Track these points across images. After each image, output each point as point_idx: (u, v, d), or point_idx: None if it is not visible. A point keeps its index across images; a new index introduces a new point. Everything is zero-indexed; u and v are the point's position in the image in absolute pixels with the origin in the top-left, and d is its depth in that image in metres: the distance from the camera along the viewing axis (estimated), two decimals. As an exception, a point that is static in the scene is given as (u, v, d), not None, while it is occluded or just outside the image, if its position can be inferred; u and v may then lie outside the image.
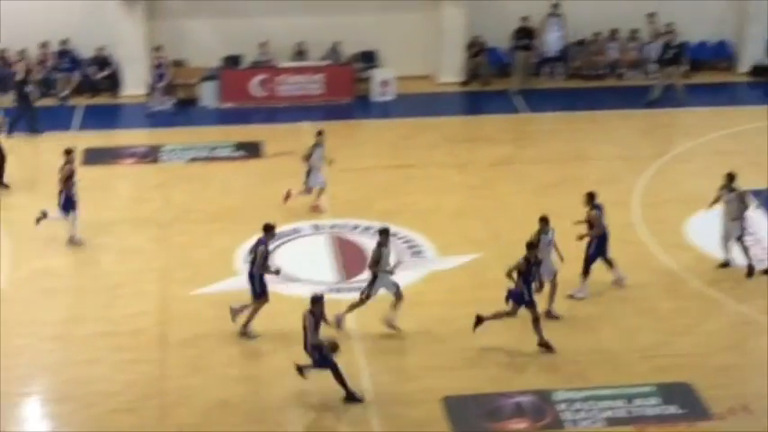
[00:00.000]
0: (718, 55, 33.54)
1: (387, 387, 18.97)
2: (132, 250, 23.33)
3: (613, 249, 23.16)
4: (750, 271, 22.30)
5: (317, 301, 18.65)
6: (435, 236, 23.68)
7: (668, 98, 30.89)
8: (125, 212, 24.98)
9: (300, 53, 31.69)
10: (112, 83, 31.80)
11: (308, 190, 24.81)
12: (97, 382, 18.95)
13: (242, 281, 22.10)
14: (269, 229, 20.43)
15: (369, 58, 32.24)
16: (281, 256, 23.09)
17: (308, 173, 24.63)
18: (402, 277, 22.22)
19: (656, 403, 18.48)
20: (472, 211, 24.81)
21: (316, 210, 24.73)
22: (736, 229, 22.28)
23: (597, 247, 21.45)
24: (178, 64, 31.56)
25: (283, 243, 23.65)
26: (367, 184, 26.31)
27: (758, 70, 33.09)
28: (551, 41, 32.47)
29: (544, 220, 20.65)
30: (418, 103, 31.24)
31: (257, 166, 27.29)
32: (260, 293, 20.43)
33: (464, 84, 32.36)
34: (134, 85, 31.41)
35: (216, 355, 19.84)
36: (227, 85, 31.09)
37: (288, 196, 24.75)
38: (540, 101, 31.62)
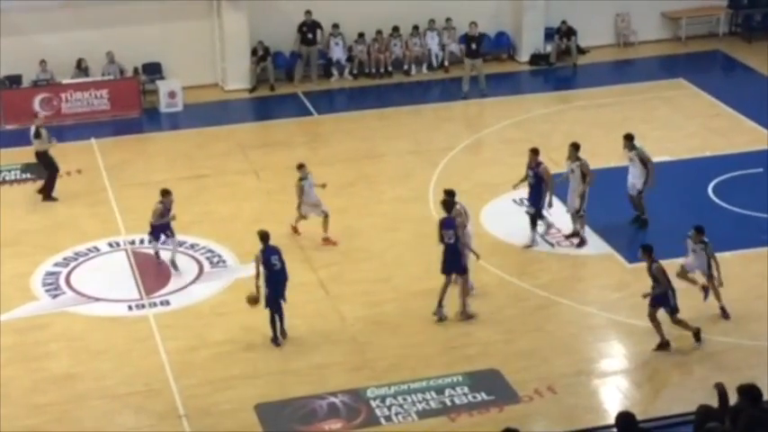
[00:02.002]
0: (498, 46, 34.26)
1: (198, 400, 18.81)
2: None
3: (413, 243, 23.54)
4: (579, 240, 23.35)
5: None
6: (235, 244, 23.58)
7: (473, 89, 31.51)
8: None
9: (83, 69, 31.07)
10: None
11: (302, 216, 23.88)
12: None
13: (41, 305, 21.67)
14: (449, 206, 20.80)
15: (153, 70, 31.82)
16: (79, 276, 22.66)
17: (299, 206, 23.71)
18: (204, 288, 22.15)
19: (465, 392, 18.82)
20: (270, 217, 24.73)
21: (327, 242, 23.57)
22: (577, 201, 23.19)
23: None
24: (-48, 87, 30.56)
25: (81, 263, 23.19)
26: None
27: (536, 58, 33.95)
28: (336, 50, 32.77)
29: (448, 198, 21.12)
30: (208, 112, 30.99)
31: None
32: (464, 269, 20.70)
33: (252, 90, 32.26)
34: None
35: (19, 383, 19.33)
36: (8, 106, 30.25)
37: (296, 230, 23.90)
38: (328, 102, 31.78)
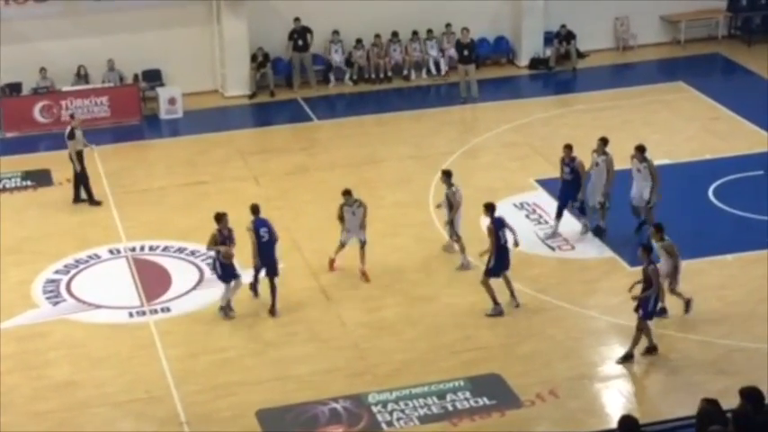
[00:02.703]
0: (498, 50, 34.27)
1: (199, 406, 18.78)
2: None
3: (414, 248, 23.53)
4: (595, 231, 23.81)
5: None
6: (236, 250, 23.50)
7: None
8: None
9: (82, 76, 31.08)
10: None
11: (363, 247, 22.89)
12: None
13: (42, 312, 21.65)
14: (491, 208, 21.30)
15: (153, 77, 31.84)
16: (80, 284, 22.64)
17: (347, 231, 22.65)
18: (205, 295, 22.12)
19: (467, 397, 18.79)
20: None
21: (331, 266, 22.84)
22: (600, 194, 23.57)
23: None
24: (-48, 95, 30.54)
25: (82, 270, 23.18)
26: (163, 204, 26.00)
27: (536, 63, 33.95)
28: (335, 56, 32.81)
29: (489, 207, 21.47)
30: (208, 119, 31.00)
31: (48, 195, 26.61)
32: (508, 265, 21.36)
33: (251, 96, 32.25)
34: None
35: (20, 391, 19.31)
36: (9, 113, 30.25)
37: (332, 264, 22.83)
38: (328, 107, 31.76)
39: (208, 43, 32.25)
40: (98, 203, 25.84)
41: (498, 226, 21.13)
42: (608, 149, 23.57)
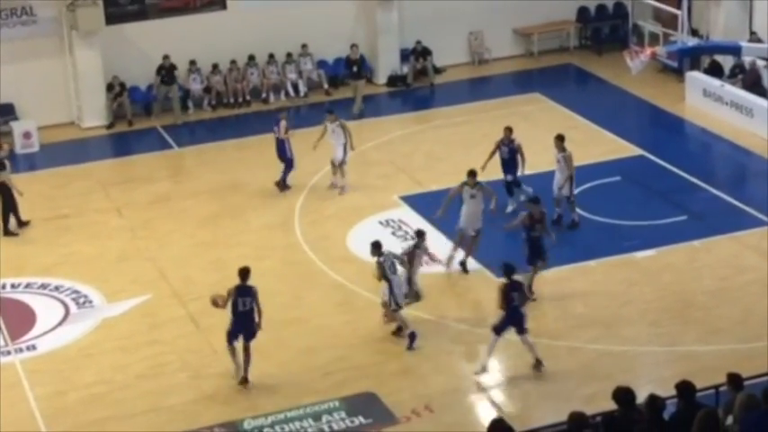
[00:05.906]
0: (355, 69, 34.44)
1: (70, 445, 18.47)
2: None
3: (281, 271, 23.42)
4: (573, 224, 24.65)
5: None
6: (101, 283, 23.20)
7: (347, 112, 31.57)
8: None
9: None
10: None
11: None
12: None
13: None
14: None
15: (6, 111, 31.21)
16: (-60, 327, 22.09)
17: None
18: (71, 330, 21.73)
19: (342, 417, 18.77)
20: (135, 253, 24.46)
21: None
22: (566, 187, 24.32)
23: None
24: None
25: (-59, 313, 22.62)
26: (23, 240, 25.46)
27: (394, 80, 34.18)
28: (193, 85, 32.64)
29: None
30: (65, 151, 30.48)
31: None
32: None
33: (109, 126, 31.83)
34: None
35: None
36: None
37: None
38: (188, 134, 31.47)
39: (61, 75, 31.75)
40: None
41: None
42: (565, 146, 24.48)
